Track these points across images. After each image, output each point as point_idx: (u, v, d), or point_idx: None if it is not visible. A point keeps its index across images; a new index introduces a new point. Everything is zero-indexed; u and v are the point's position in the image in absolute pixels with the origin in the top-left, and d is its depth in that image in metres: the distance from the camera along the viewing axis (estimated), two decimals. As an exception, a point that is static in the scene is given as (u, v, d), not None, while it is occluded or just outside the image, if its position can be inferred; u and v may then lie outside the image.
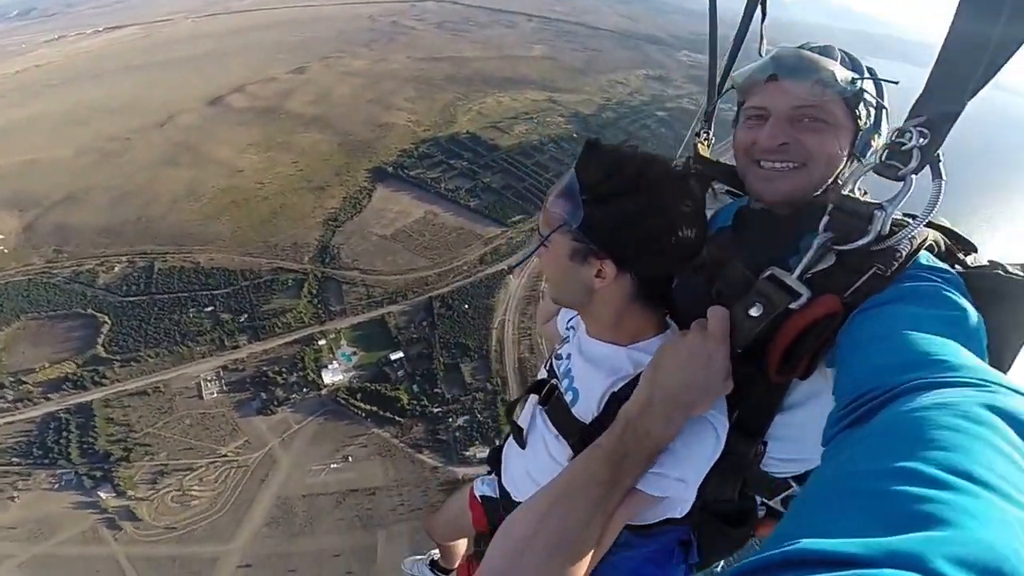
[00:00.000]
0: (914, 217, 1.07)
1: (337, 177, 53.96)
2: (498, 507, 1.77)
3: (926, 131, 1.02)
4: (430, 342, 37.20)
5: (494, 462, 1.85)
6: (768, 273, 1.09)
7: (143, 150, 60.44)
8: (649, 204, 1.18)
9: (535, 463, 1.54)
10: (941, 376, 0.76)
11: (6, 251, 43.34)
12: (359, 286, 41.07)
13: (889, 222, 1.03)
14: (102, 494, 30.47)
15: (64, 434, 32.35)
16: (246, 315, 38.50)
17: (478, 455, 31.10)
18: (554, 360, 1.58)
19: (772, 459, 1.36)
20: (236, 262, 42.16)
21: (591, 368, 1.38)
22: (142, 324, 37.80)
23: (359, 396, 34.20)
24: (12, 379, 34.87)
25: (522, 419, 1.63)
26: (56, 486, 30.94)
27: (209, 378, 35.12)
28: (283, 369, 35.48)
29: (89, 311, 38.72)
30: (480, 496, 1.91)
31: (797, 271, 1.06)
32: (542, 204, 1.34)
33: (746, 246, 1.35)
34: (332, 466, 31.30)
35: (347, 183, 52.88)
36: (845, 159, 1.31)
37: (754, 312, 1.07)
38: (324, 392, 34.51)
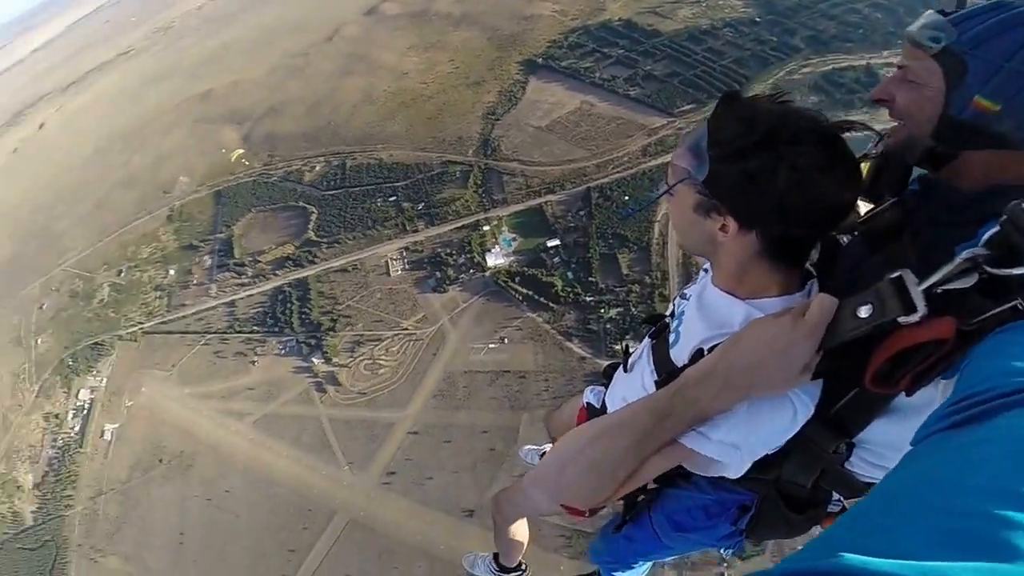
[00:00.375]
0: None
1: (491, 72, 54.64)
2: (596, 415, 1.89)
3: None
4: (587, 231, 37.59)
5: (607, 377, 1.98)
6: (896, 274, 0.94)
7: (321, 63, 66.39)
8: (778, 163, 1.11)
9: (631, 389, 1.62)
10: None
11: (233, 159, 51.57)
12: (519, 176, 42.41)
13: None
14: (315, 360, 35.99)
15: (288, 305, 39.30)
16: (423, 203, 42.43)
17: (629, 348, 31.53)
18: (679, 298, 1.59)
19: (861, 460, 1.28)
20: (411, 157, 45.86)
21: (698, 317, 1.39)
22: (341, 213, 43.76)
23: (517, 280, 36.05)
24: (250, 259, 43.26)
25: (638, 347, 1.73)
26: (283, 352, 37.58)
27: (394, 257, 39.90)
28: (453, 252, 38.75)
29: (300, 204, 45.79)
30: (586, 403, 2.06)
31: (929, 282, 0.91)
32: (673, 154, 1.32)
33: (925, 221, 1.22)
34: (490, 346, 33.66)
35: (501, 77, 53.33)
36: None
37: (863, 313, 0.96)
38: (488, 274, 37.06)
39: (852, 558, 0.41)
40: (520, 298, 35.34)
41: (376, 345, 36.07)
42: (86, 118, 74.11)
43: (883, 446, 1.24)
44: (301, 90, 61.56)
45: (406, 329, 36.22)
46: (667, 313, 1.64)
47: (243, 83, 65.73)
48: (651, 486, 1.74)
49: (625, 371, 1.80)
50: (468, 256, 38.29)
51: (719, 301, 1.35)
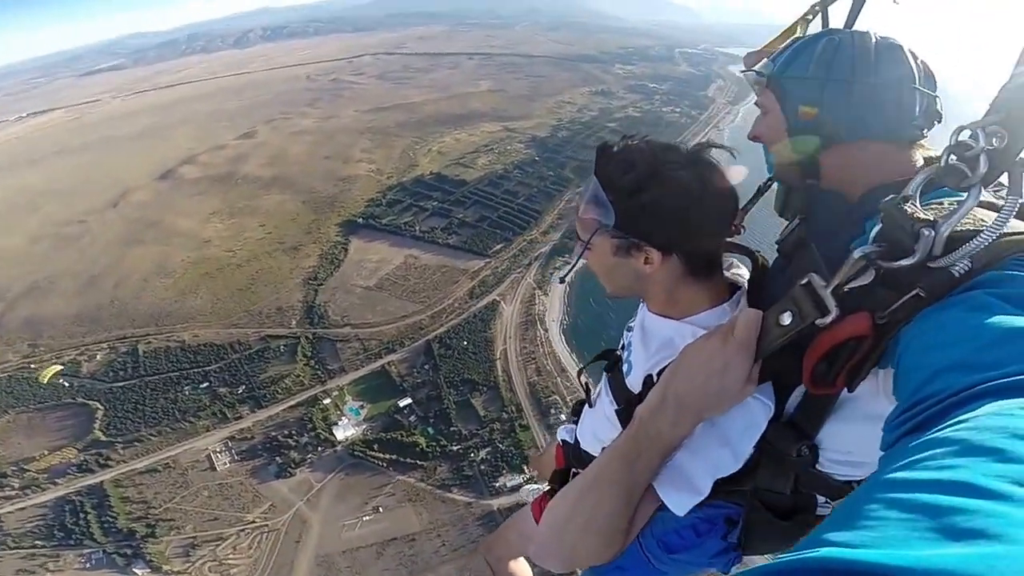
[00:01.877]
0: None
1: (308, 235, 54.56)
2: (571, 451, 2.01)
3: (1002, 132, 0.92)
4: (436, 383, 37.67)
5: (576, 414, 2.06)
6: (806, 280, 1.00)
7: (101, 231, 60.11)
8: (670, 187, 1.28)
9: (597, 421, 1.74)
10: (1015, 379, 0.69)
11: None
12: (353, 341, 41.33)
13: (941, 243, 0.91)
14: (137, 571, 29.97)
15: (81, 515, 31.78)
16: (243, 386, 38.36)
17: (508, 484, 31.68)
18: (626, 331, 1.71)
19: (830, 461, 1.32)
20: (222, 335, 41.93)
21: (642, 345, 1.50)
22: (137, 407, 37.41)
23: (376, 447, 34.38)
24: (14, 468, 34.25)
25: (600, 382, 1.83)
26: (88, 565, 30.42)
27: (218, 450, 34.87)
28: (293, 432, 35.43)
29: (79, 400, 38.22)
30: (561, 440, 2.17)
31: (834, 283, 0.98)
32: (576, 214, 1.48)
33: (824, 229, 1.37)
34: (364, 518, 31.19)
35: (320, 240, 53.49)
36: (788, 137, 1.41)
37: (785, 320, 1.02)
38: (340, 448, 34.60)
39: (832, 551, 0.43)
40: (384, 464, 33.65)
41: (219, 545, 30.64)
42: None
43: (844, 442, 1.27)
44: (74, 262, 54.38)
45: (253, 522, 31.41)
46: (619, 347, 1.74)
47: (-6, 256, 55.81)
48: None
49: (590, 406, 1.86)
50: (312, 434, 35.31)
51: (658, 325, 1.46)
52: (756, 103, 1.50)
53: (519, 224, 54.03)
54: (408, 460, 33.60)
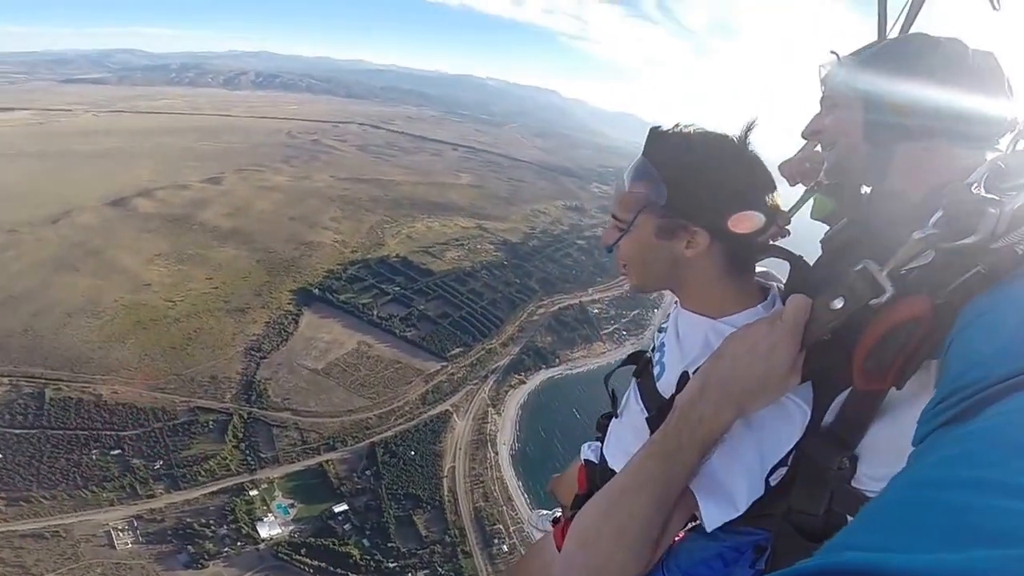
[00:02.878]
0: None
1: (258, 298, 52.40)
2: (596, 472, 1.89)
3: None
4: (377, 492, 35.69)
5: (601, 430, 1.97)
6: (861, 265, 1.01)
7: (33, 247, 55.66)
8: (726, 171, 1.32)
9: (626, 433, 1.64)
10: None
11: None
12: (292, 429, 38.84)
13: (1007, 221, 0.90)
14: None
15: None
16: (161, 461, 34.88)
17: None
18: (657, 332, 1.65)
19: (865, 476, 1.27)
20: (146, 397, 38.44)
21: (677, 345, 1.46)
22: (32, 461, 33.06)
23: (303, 551, 31.82)
24: None
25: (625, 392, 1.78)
26: None
27: (121, 527, 31.01)
28: (211, 521, 32.22)
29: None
30: (584, 460, 2.05)
31: (888, 266, 0.98)
32: (616, 194, 1.44)
33: (880, 227, 1.35)
34: None
35: (270, 305, 51.44)
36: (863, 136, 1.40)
37: (835, 305, 1.03)
38: (262, 547, 31.65)
39: (857, 555, 0.43)
40: (311, 571, 31.14)
41: None
42: None
43: (884, 452, 1.21)
44: (-10, 277, 49.16)
45: None
46: (648, 349, 1.65)
47: None
48: None
49: (617, 417, 1.76)
50: (233, 526, 32.28)
51: (693, 323, 1.41)
52: (822, 99, 1.52)
53: (480, 329, 54.06)
54: (339, 571, 31.35)
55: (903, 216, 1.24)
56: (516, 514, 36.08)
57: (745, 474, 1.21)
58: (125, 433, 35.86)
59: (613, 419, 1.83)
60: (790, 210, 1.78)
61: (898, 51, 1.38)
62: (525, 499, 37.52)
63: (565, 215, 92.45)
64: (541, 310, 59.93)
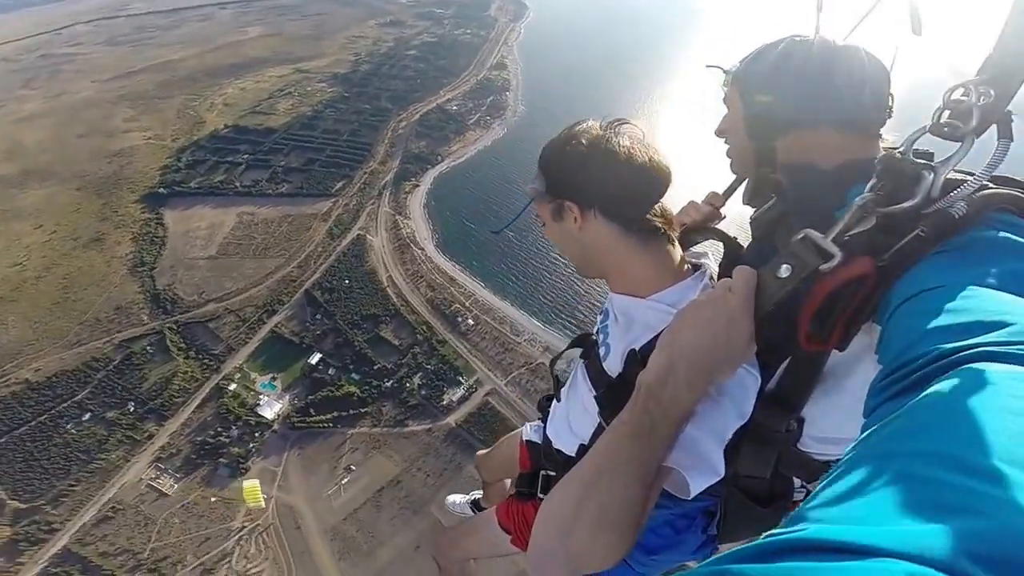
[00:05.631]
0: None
1: (106, 222, 47.29)
2: (540, 452, 2.00)
3: (989, 89, 1.04)
4: (337, 329, 37.22)
5: (543, 409, 2.01)
6: (802, 235, 1.04)
7: None
8: (580, 148, 1.46)
9: (574, 414, 1.72)
10: (1006, 345, 0.67)
11: None
12: (225, 316, 38.33)
13: (939, 184, 0.99)
14: None
15: None
16: (132, 403, 33.84)
17: (455, 399, 33.33)
18: (600, 316, 1.72)
19: (809, 438, 1.33)
20: (70, 359, 35.88)
21: (615, 324, 1.55)
22: (29, 462, 31.59)
23: (312, 411, 33.35)
24: None
25: (566, 371, 1.82)
26: None
27: (154, 476, 31.29)
28: (219, 429, 32.77)
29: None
30: (527, 440, 2.16)
31: (833, 233, 1.02)
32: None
33: (799, 204, 1.40)
34: (343, 482, 30.86)
35: (123, 223, 46.85)
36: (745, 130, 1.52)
37: (782, 273, 1.04)
38: (276, 427, 32.97)
39: (815, 528, 0.45)
40: (329, 424, 32.76)
41: (229, 561, 28.33)
42: None
43: (828, 415, 1.30)
44: None
45: (242, 528, 29.31)
46: (593, 332, 1.75)
47: None
48: None
49: (559, 401, 1.85)
50: (240, 423, 32.81)
51: (625, 305, 1.52)
52: (723, 100, 1.62)
53: (353, 159, 53.48)
54: (351, 412, 33.22)
55: (818, 185, 1.34)
56: (465, 289, 39.84)
57: (718, 441, 1.22)
58: (78, 397, 34.09)
59: (555, 401, 1.89)
60: (723, 194, 1.90)
61: (766, 50, 1.48)
62: (466, 276, 41.24)
63: (384, 33, 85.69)
64: (403, 123, 59.74)
